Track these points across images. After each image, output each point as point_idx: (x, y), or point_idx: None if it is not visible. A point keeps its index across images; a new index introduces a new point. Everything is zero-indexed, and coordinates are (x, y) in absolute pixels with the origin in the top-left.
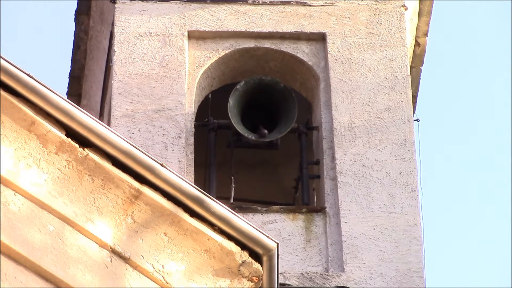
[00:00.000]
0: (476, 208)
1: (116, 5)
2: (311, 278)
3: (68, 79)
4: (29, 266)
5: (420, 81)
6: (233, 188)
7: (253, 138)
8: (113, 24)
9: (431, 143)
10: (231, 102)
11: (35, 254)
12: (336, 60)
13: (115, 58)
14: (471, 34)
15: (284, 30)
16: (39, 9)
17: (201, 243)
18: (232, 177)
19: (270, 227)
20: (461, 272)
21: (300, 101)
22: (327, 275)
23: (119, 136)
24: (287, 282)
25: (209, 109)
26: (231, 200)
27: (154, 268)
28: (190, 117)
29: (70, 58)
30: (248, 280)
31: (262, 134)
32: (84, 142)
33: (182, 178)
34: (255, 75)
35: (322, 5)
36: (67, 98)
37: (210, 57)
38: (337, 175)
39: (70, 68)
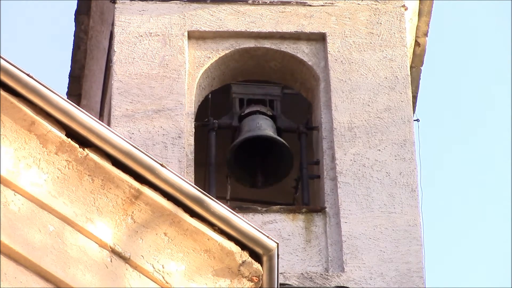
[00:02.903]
0: (476, 208)
1: (116, 5)
2: (311, 278)
3: (68, 79)
4: (29, 266)
5: (420, 81)
6: (229, 187)
7: (248, 185)
8: (113, 24)
9: (431, 143)
10: (229, 156)
11: (35, 254)
12: (336, 60)
13: (115, 58)
14: (471, 34)
15: (284, 30)
16: (39, 9)
17: (201, 243)
18: (228, 177)
19: (270, 227)
20: (461, 272)
21: (300, 101)
22: (327, 275)
23: (119, 136)
24: (287, 282)
25: (209, 109)
26: (227, 197)
27: (154, 268)
28: (190, 117)
29: (70, 58)
30: (248, 280)
31: (256, 183)
32: (84, 142)
33: (182, 178)
34: (255, 134)
35: (322, 5)
36: (67, 98)
37: (210, 57)
38: (337, 175)
39: (70, 68)
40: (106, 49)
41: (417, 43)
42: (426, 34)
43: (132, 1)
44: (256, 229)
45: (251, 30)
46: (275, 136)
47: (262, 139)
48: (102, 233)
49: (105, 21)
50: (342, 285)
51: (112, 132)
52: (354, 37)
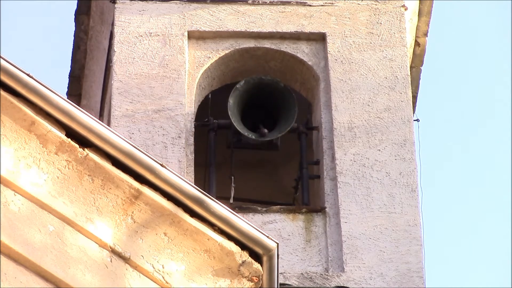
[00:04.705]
0: (476, 208)
1: (116, 5)
2: (311, 278)
3: (68, 79)
4: (29, 266)
5: (420, 81)
6: (233, 188)
7: (253, 137)
8: (113, 24)
9: (431, 143)
10: (231, 101)
11: (35, 254)
12: (336, 60)
13: (115, 58)
14: (471, 34)
15: (284, 30)
16: (39, 9)
17: (201, 243)
18: (232, 177)
19: (270, 227)
20: (461, 272)
21: (300, 101)
22: (327, 275)
23: (119, 136)
24: (287, 282)
25: (209, 109)
26: (231, 200)
27: (154, 268)
28: (190, 117)
29: (70, 58)
30: (248, 280)
31: (262, 133)
32: (84, 142)
33: (182, 178)
34: (255, 75)
35: (322, 5)
36: (67, 98)
37: (210, 57)
38: (337, 175)
39: (70, 68)
40: (106, 49)
41: (417, 43)
42: (426, 34)
43: (132, 1)
44: (256, 229)
45: (251, 30)
46: (277, 79)
47: (264, 85)
48: (102, 233)
49: (105, 21)
50: (342, 285)
51: (112, 132)
52: (354, 37)
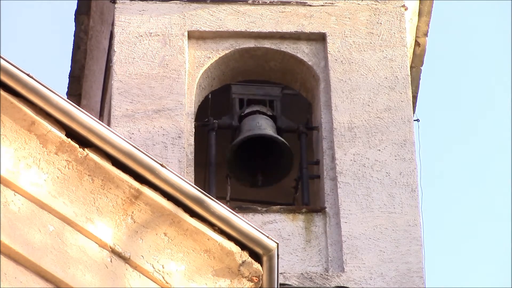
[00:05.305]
0: (476, 208)
1: (116, 5)
2: (311, 278)
3: (68, 79)
4: (29, 266)
5: (420, 81)
6: (229, 188)
7: (248, 185)
8: (113, 24)
9: (431, 143)
10: (228, 155)
11: (35, 254)
12: (336, 60)
13: (115, 58)
14: (471, 34)
15: (284, 30)
16: (39, 9)
17: (201, 243)
18: (228, 178)
19: (270, 227)
20: (461, 272)
21: (300, 101)
22: (327, 275)
23: (119, 136)
24: (287, 282)
25: (209, 109)
26: (227, 198)
27: (154, 268)
28: (190, 117)
29: (70, 58)
30: (248, 280)
31: (257, 183)
32: (84, 142)
33: (182, 178)
34: (255, 133)
35: (322, 5)
36: (67, 98)
37: (210, 57)
38: (337, 175)
39: (70, 68)
40: (106, 49)
41: (417, 43)
42: (426, 34)
43: (132, 1)
44: (256, 229)
45: (251, 30)
46: (275, 135)
47: (262, 138)
48: (102, 233)
49: (105, 21)
50: (342, 285)
51: (112, 132)
52: (354, 37)
